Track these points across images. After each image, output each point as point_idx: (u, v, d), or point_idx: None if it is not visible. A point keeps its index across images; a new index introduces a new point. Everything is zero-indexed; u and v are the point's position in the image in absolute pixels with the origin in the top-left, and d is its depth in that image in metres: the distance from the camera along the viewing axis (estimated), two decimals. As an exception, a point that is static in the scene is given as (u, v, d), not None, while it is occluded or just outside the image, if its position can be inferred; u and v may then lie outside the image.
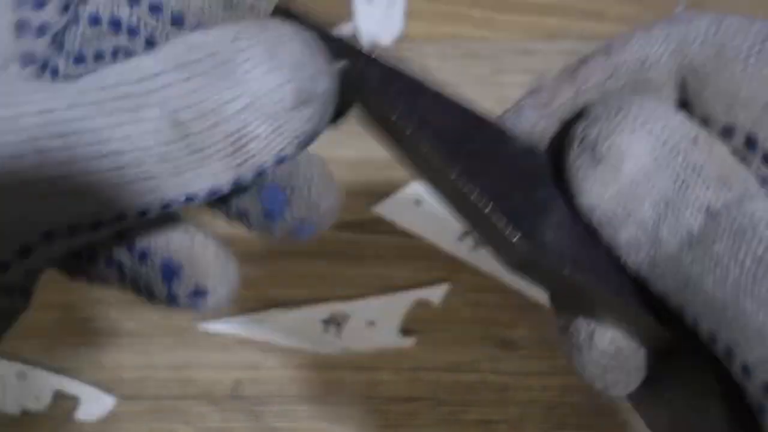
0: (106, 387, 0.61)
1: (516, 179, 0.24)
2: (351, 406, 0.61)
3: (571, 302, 0.26)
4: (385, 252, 0.63)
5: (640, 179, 0.22)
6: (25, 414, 0.60)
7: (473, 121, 0.26)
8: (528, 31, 0.67)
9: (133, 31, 0.24)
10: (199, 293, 0.25)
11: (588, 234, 0.24)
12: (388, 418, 0.61)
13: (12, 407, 0.60)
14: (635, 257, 0.23)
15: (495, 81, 0.66)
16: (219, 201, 0.26)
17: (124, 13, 0.24)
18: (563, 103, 0.26)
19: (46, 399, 0.60)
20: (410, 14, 0.68)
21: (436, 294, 0.61)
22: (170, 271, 0.25)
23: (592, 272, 0.23)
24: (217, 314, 0.61)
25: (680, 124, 0.23)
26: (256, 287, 0.62)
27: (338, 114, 0.24)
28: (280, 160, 0.22)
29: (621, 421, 0.59)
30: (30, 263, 0.21)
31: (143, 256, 0.25)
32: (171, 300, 0.25)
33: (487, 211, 0.22)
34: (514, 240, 0.22)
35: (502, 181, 0.24)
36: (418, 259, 0.63)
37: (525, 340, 0.61)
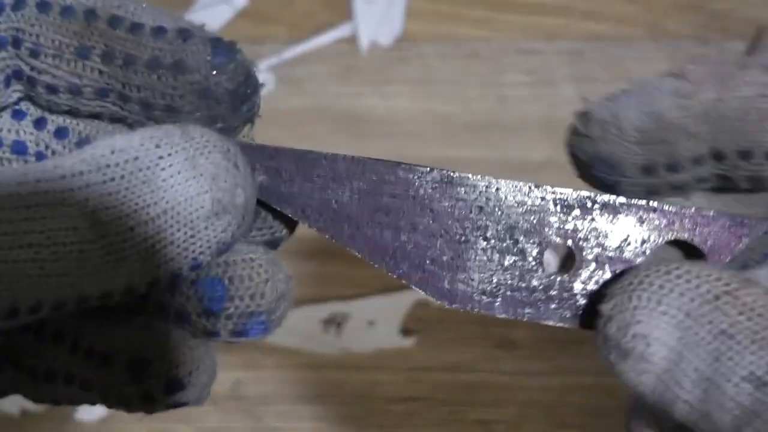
0: (106, 387, 0.61)
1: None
2: (351, 406, 0.61)
3: None
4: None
5: (673, 362, 0.21)
6: (25, 414, 0.60)
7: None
8: (528, 31, 0.67)
9: (40, 155, 0.25)
10: (175, 386, 0.24)
11: None
12: (388, 418, 0.61)
13: (12, 407, 0.60)
14: (699, 430, 0.22)
15: (495, 81, 0.66)
16: (157, 308, 0.24)
17: (29, 138, 0.25)
18: (705, 101, 0.24)
19: (46, 399, 0.60)
20: (410, 14, 0.68)
21: (436, 294, 0.61)
22: (138, 369, 0.24)
23: None
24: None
25: (696, 285, 0.21)
26: (256, 287, 0.62)
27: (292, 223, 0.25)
28: (197, 266, 0.23)
29: (620, 421, 0.59)
30: None
31: (105, 360, 0.24)
32: (146, 400, 0.24)
33: None
34: None
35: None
36: (418, 259, 0.63)
37: (525, 340, 0.61)
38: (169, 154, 0.22)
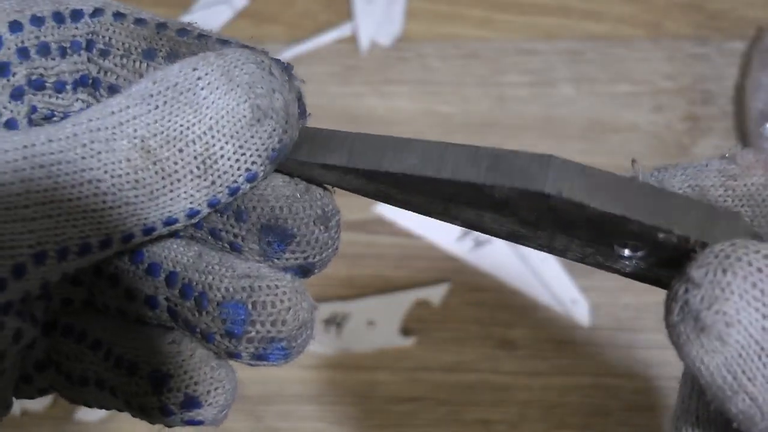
0: (106, 387, 0.61)
1: None
2: (351, 406, 0.61)
3: None
4: (385, 252, 0.63)
5: (750, 351, 0.20)
6: (25, 414, 0.60)
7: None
8: (528, 31, 0.67)
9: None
10: (191, 403, 0.25)
11: None
12: (388, 418, 0.61)
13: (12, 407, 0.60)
14: (750, 429, 0.21)
15: (495, 81, 0.66)
16: (186, 325, 0.25)
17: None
18: (751, 185, 0.24)
19: (46, 399, 0.60)
20: (410, 14, 0.68)
21: (436, 294, 0.61)
22: (159, 381, 0.25)
23: None
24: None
25: None
26: (256, 287, 0.62)
27: None
28: (252, 178, 0.24)
29: (620, 420, 0.59)
30: (25, 284, 0.22)
31: (132, 369, 0.25)
32: (164, 413, 0.25)
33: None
34: None
35: None
36: (418, 259, 0.63)
37: (525, 340, 0.61)
38: (206, 74, 0.23)
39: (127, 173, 0.22)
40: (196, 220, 0.24)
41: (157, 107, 0.23)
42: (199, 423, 0.25)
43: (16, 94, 0.25)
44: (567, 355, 0.60)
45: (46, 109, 0.26)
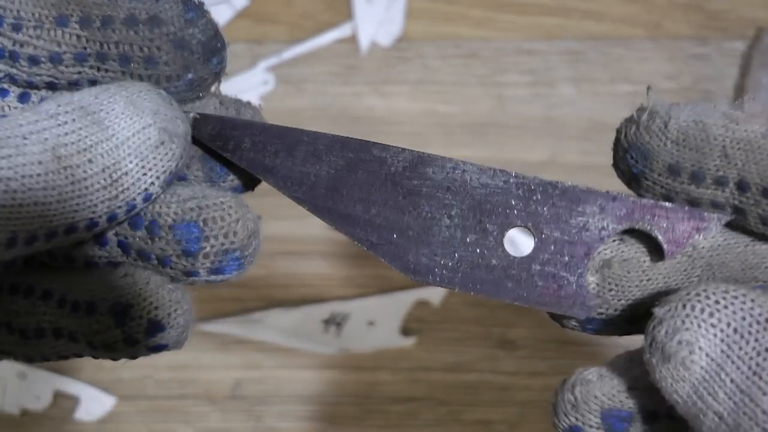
0: (105, 387, 0.61)
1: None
2: (351, 406, 0.61)
3: None
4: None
5: (712, 372, 0.22)
6: (25, 414, 0.60)
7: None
8: (528, 31, 0.67)
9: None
10: (155, 328, 0.26)
11: None
12: (388, 418, 0.61)
13: (12, 407, 0.60)
14: None
15: (495, 81, 0.66)
16: (140, 255, 0.26)
17: None
18: (751, 131, 0.25)
19: (46, 399, 0.60)
20: (410, 14, 0.68)
21: (436, 294, 0.61)
22: (120, 313, 0.26)
23: None
24: (217, 314, 0.61)
25: (750, 307, 0.22)
26: (256, 287, 0.62)
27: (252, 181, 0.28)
28: (148, 197, 0.25)
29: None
30: None
31: (91, 309, 0.26)
32: (129, 343, 0.26)
33: None
34: None
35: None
36: (418, 259, 0.63)
37: (525, 340, 0.61)
38: (110, 101, 0.25)
39: (38, 174, 0.23)
40: (91, 234, 0.25)
41: (66, 123, 0.24)
42: (164, 347, 0.26)
43: None
44: (567, 355, 0.60)
45: None
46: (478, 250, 0.27)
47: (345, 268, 0.62)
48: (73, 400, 0.60)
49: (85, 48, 0.26)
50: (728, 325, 0.22)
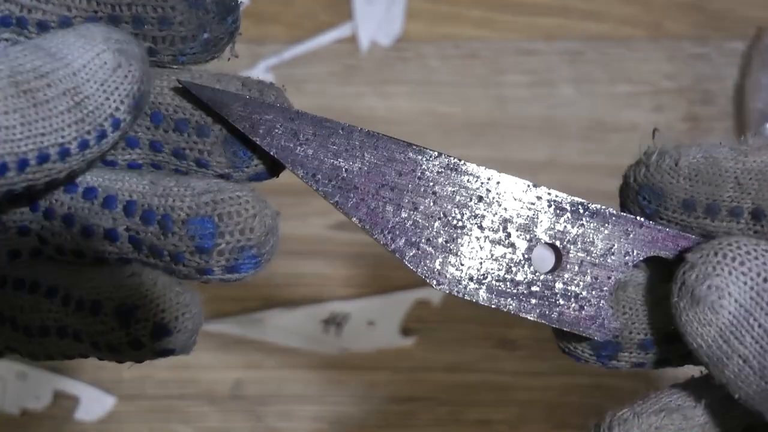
0: (106, 387, 0.61)
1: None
2: (351, 406, 0.61)
3: None
4: (385, 252, 0.63)
5: (740, 317, 0.23)
6: (25, 414, 0.60)
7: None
8: (528, 31, 0.67)
9: None
10: (161, 332, 0.25)
11: None
12: (388, 418, 0.61)
13: (12, 407, 0.60)
14: (745, 391, 0.23)
15: (495, 81, 0.66)
16: (152, 251, 0.26)
17: None
18: (761, 162, 0.26)
19: (46, 399, 0.60)
20: (410, 14, 0.68)
21: (436, 294, 0.61)
22: (126, 314, 0.25)
23: None
24: (217, 314, 0.61)
25: None
26: (255, 287, 0.62)
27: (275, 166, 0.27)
28: (117, 124, 0.24)
29: (621, 421, 0.59)
30: None
31: (95, 309, 0.25)
32: (134, 346, 0.25)
33: None
34: None
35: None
36: (418, 259, 0.63)
37: (525, 340, 0.61)
38: (62, 37, 0.24)
39: None
40: (69, 165, 0.24)
41: (19, 57, 0.23)
42: (170, 352, 0.25)
43: None
44: (567, 356, 0.60)
45: None
46: (505, 264, 0.26)
47: (345, 268, 0.62)
48: (73, 400, 0.60)
49: (95, 11, 0.25)
50: (758, 274, 0.23)
